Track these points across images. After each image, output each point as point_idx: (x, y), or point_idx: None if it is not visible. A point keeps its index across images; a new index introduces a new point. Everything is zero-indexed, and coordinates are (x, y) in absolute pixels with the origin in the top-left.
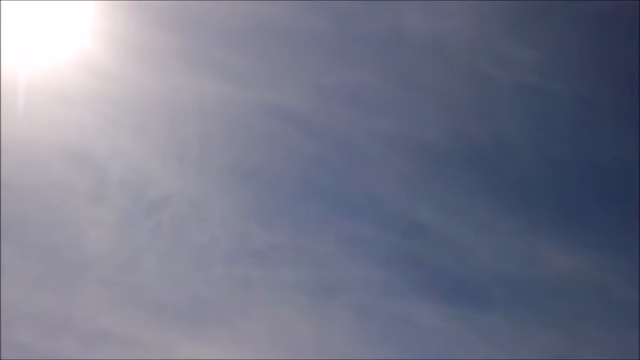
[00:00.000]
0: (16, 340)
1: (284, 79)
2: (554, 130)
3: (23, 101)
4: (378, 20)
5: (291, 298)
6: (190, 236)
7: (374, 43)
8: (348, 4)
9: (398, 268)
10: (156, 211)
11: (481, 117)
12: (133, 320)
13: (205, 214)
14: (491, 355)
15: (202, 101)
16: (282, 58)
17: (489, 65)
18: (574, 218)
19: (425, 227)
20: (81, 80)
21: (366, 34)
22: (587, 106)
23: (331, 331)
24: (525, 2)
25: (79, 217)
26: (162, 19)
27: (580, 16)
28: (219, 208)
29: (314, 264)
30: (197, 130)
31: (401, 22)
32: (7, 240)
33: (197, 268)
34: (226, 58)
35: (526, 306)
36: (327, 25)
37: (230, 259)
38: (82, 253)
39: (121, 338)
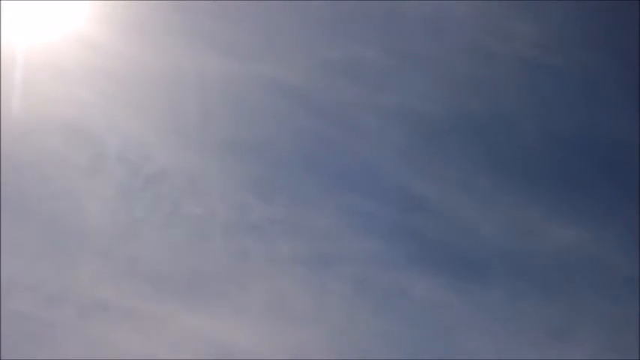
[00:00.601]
0: (14, 310)
1: (283, 53)
2: (554, 104)
3: (22, 77)
4: None
5: (289, 271)
6: (188, 209)
7: (375, 18)
8: None
9: (396, 241)
10: (154, 184)
11: (482, 91)
12: (132, 292)
13: (203, 187)
14: (490, 327)
15: (201, 76)
16: (282, 33)
17: (490, 39)
18: (574, 192)
19: (424, 201)
20: (79, 56)
21: (366, 8)
22: (587, 80)
23: (329, 303)
24: None
25: (78, 191)
26: None
27: None
28: (218, 182)
29: (312, 237)
30: (196, 105)
31: None
32: (6, 213)
33: (195, 241)
34: (226, 33)
35: (525, 279)
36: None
37: (228, 232)
38: (81, 226)
39: (120, 309)
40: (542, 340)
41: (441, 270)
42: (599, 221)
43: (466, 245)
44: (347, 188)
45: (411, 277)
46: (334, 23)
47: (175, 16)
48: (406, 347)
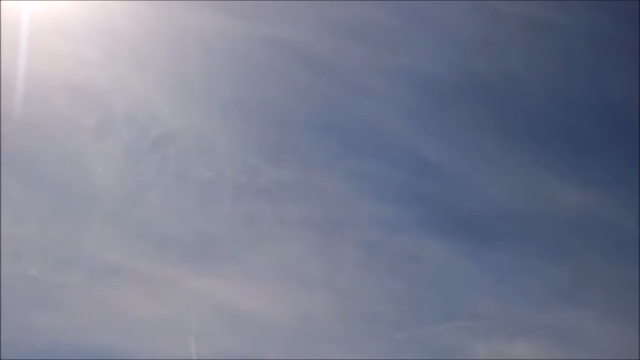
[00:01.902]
0: (25, 274)
1: (290, 13)
2: (563, 65)
3: (27, 35)
4: None
5: (298, 234)
6: (196, 172)
7: None
8: None
9: (406, 204)
10: (161, 146)
11: (490, 52)
12: (141, 255)
13: (211, 149)
14: (498, 289)
15: (208, 36)
16: None
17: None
18: (582, 154)
19: (433, 164)
20: (84, 15)
21: None
22: (597, 41)
23: (339, 266)
24: None
25: (85, 152)
26: None
27: None
28: (226, 144)
29: (322, 200)
30: (203, 65)
31: None
32: (14, 175)
33: (204, 204)
34: None
35: (533, 241)
36: None
37: (237, 195)
38: (89, 188)
39: (130, 273)
40: (551, 302)
41: (451, 233)
42: (607, 183)
43: (475, 208)
44: (355, 151)
45: (420, 240)
46: None
47: None
48: (415, 310)
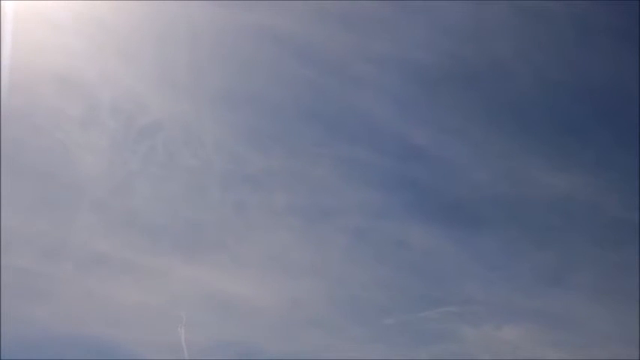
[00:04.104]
0: (13, 264)
1: (279, 2)
2: (549, 50)
3: (12, 26)
4: None
5: (286, 222)
6: (184, 161)
7: None
8: None
9: (393, 190)
10: (148, 135)
11: (477, 38)
12: (129, 245)
13: (198, 138)
14: (485, 273)
15: (194, 25)
16: None
17: None
18: (568, 138)
19: (420, 149)
20: (70, 6)
21: None
22: (582, 27)
23: (327, 253)
24: None
25: (71, 142)
26: None
27: None
28: (213, 133)
29: (309, 188)
30: (189, 55)
31: None
32: (0, 166)
33: (191, 193)
34: None
35: (520, 225)
36: None
37: (224, 184)
38: (76, 178)
39: (117, 262)
40: (538, 286)
41: (438, 219)
42: (593, 167)
43: (461, 193)
44: (343, 138)
45: (408, 226)
46: None
47: None
48: (404, 295)
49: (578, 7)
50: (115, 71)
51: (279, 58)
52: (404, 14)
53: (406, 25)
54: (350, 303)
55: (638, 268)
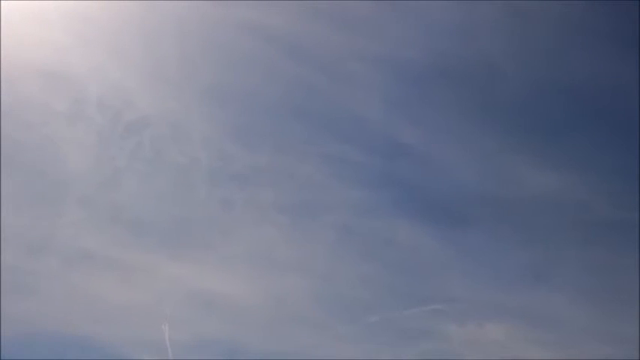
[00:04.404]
0: None
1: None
2: (537, 50)
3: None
4: None
5: (273, 219)
6: (171, 157)
7: None
8: None
9: (379, 188)
10: (135, 132)
11: (465, 38)
12: (115, 241)
13: (185, 135)
14: (471, 271)
15: (182, 20)
16: None
17: None
18: (554, 137)
19: (406, 147)
20: (58, 1)
21: None
22: (570, 27)
23: (313, 250)
24: None
25: (58, 138)
26: None
27: None
28: (200, 129)
29: (296, 185)
30: (178, 51)
31: None
32: None
33: (178, 190)
34: None
35: (505, 224)
36: None
37: (211, 181)
38: (62, 174)
39: (103, 259)
40: (522, 284)
41: (424, 216)
42: (579, 166)
43: (448, 191)
44: (331, 136)
45: (394, 224)
46: None
47: None
48: (389, 293)
49: (567, 7)
50: (102, 67)
51: (269, 56)
52: (394, 13)
53: (396, 24)
54: (335, 300)
55: (622, 267)
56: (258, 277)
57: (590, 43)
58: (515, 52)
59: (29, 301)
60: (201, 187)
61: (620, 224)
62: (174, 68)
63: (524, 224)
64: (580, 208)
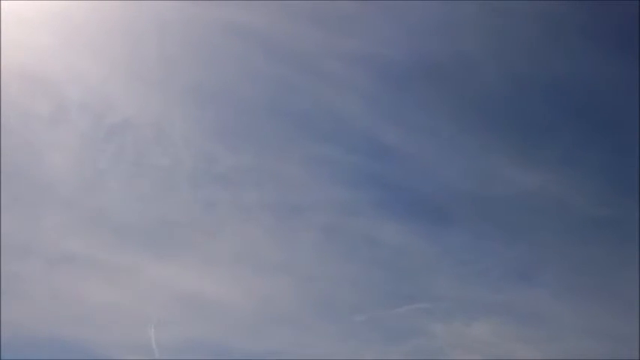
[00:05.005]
0: None
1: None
2: (516, 47)
3: None
4: None
5: (257, 219)
6: (153, 159)
7: None
8: None
9: (362, 187)
10: (117, 134)
11: (446, 36)
12: (99, 243)
13: (168, 136)
14: (455, 269)
15: (162, 21)
16: None
17: None
18: (536, 135)
19: (388, 147)
20: (39, 3)
21: None
22: (549, 23)
23: (298, 250)
24: None
25: (39, 141)
26: None
27: None
28: (182, 131)
29: (279, 185)
30: (157, 51)
31: None
32: None
33: (161, 191)
34: None
35: (489, 222)
36: None
37: (194, 182)
38: (44, 177)
39: (87, 261)
40: (507, 282)
41: (407, 215)
42: (561, 164)
43: (431, 190)
44: (312, 136)
45: (377, 223)
46: None
47: None
48: (374, 292)
49: (548, 5)
50: (83, 68)
51: (250, 56)
52: (373, 12)
53: (375, 23)
54: (320, 300)
55: (606, 263)
56: (244, 277)
57: (571, 40)
58: (495, 50)
59: (13, 304)
60: (185, 189)
61: (602, 221)
62: (155, 70)
63: (507, 222)
64: (562, 206)
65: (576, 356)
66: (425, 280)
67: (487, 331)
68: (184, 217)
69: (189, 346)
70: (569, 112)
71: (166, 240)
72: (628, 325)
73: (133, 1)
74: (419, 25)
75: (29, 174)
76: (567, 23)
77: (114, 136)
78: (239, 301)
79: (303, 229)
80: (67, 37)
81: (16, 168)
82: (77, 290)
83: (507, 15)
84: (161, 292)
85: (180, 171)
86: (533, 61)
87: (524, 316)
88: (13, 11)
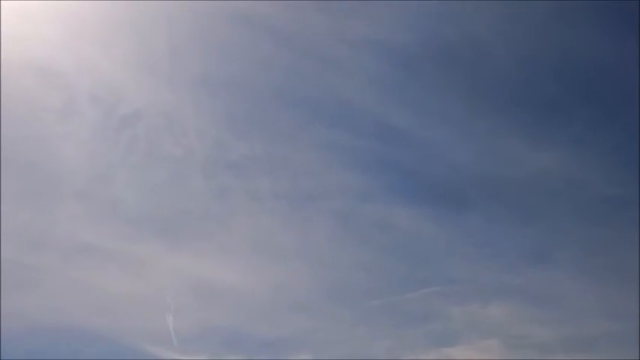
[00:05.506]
0: None
1: None
2: (527, 28)
3: None
4: None
5: (270, 207)
6: (165, 149)
7: None
8: None
9: (375, 172)
10: (129, 125)
11: (456, 19)
12: (114, 234)
13: (179, 126)
14: (470, 253)
15: (172, 11)
16: None
17: None
18: (549, 116)
19: (400, 131)
20: None
21: None
22: (560, 5)
23: (312, 237)
24: None
25: (52, 133)
26: None
27: None
28: (193, 120)
29: (291, 172)
30: (167, 42)
31: None
32: None
33: (174, 181)
34: None
35: (503, 205)
36: None
37: (207, 171)
38: (58, 169)
39: (103, 252)
40: (523, 264)
41: (421, 200)
42: (575, 144)
43: (444, 174)
44: (323, 122)
45: (391, 208)
46: None
47: None
48: (389, 277)
49: None
50: (93, 61)
51: (259, 44)
52: None
53: (383, 7)
54: (335, 286)
55: (620, 243)
56: (258, 264)
57: (581, 20)
58: (506, 32)
59: (30, 295)
60: (198, 178)
61: (617, 201)
62: (165, 60)
63: (521, 204)
64: (577, 186)
65: (592, 337)
66: (440, 263)
67: (503, 314)
68: (198, 206)
69: (206, 333)
70: (582, 92)
71: (181, 229)
72: None
73: None
74: (426, 8)
75: (43, 167)
76: (578, 2)
77: (126, 127)
78: (254, 288)
79: (317, 215)
80: (76, 31)
81: (30, 160)
82: (93, 281)
83: None
84: (177, 281)
85: (193, 160)
86: (544, 41)
87: (539, 298)
88: (26, 9)
